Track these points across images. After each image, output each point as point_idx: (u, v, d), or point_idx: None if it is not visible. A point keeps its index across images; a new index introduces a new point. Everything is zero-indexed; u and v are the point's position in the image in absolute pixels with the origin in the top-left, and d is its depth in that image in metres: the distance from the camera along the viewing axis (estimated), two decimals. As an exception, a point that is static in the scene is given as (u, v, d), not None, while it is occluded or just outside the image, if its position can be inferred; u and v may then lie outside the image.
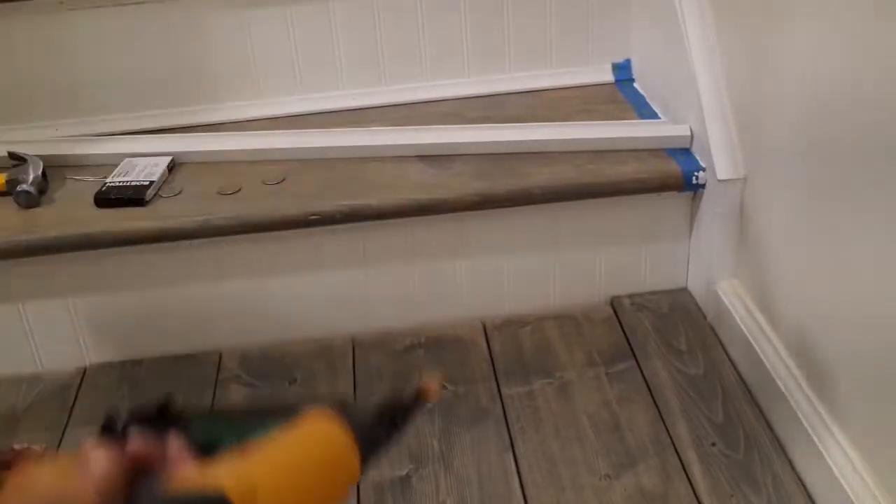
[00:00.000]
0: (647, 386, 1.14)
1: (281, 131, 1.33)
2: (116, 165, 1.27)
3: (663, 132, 1.24)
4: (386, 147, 1.27)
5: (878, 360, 0.87)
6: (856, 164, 0.87)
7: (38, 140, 1.38)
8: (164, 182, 1.23)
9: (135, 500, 0.62)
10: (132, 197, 1.18)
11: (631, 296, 1.30)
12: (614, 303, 1.29)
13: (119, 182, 1.21)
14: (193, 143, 1.32)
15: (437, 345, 1.24)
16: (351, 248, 1.23)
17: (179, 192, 1.22)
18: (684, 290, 1.30)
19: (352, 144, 1.28)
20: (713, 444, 1.04)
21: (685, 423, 1.08)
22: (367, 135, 1.30)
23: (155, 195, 1.20)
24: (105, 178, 1.24)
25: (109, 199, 1.19)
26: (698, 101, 1.17)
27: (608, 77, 1.46)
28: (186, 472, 0.59)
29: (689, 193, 1.23)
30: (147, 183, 1.21)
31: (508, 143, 1.25)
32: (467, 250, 1.25)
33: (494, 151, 1.25)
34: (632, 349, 1.20)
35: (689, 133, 1.22)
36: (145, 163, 1.26)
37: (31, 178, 1.22)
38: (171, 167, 1.27)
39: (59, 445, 1.11)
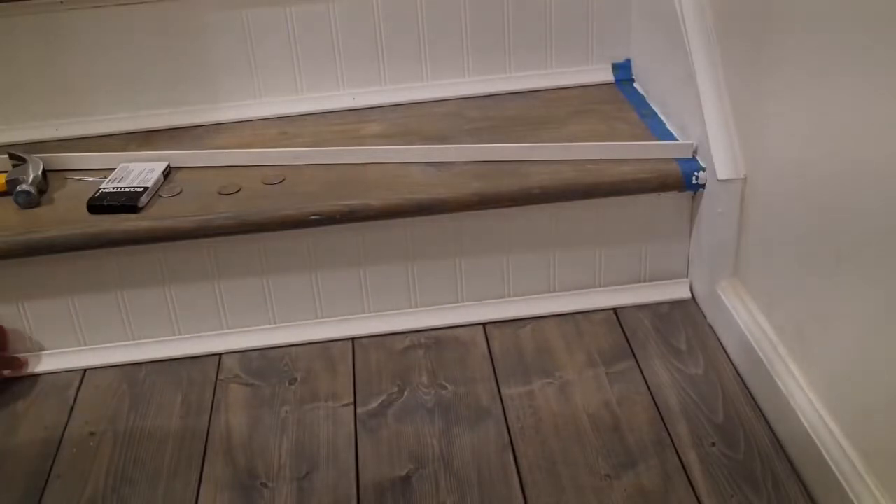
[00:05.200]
0: (647, 386, 1.14)
1: (279, 149, 1.30)
2: (115, 167, 1.27)
3: (670, 154, 1.22)
4: (385, 155, 1.28)
5: (877, 359, 0.87)
6: (858, 162, 0.87)
7: (38, 140, 1.39)
8: (158, 188, 1.23)
9: None
10: (125, 203, 1.18)
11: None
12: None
13: (113, 188, 1.21)
14: (190, 151, 1.32)
15: (437, 345, 1.24)
16: (351, 248, 1.23)
17: (179, 192, 1.22)
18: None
19: (349, 161, 1.28)
20: (713, 444, 1.04)
21: (685, 423, 1.08)
22: (366, 150, 1.30)
23: (149, 201, 1.20)
24: (102, 179, 1.24)
25: (102, 205, 1.19)
26: (698, 102, 1.17)
27: (608, 77, 1.46)
28: None
29: (689, 193, 1.23)
30: (141, 189, 1.20)
31: (509, 153, 1.25)
32: (467, 250, 1.25)
33: (495, 159, 1.25)
34: (632, 349, 1.20)
35: (693, 149, 1.21)
36: (141, 168, 1.26)
37: (31, 178, 1.22)
38: (167, 173, 1.26)
39: (58, 446, 1.11)
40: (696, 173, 1.19)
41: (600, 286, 1.30)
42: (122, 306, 1.24)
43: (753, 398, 1.10)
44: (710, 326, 1.23)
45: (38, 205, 1.22)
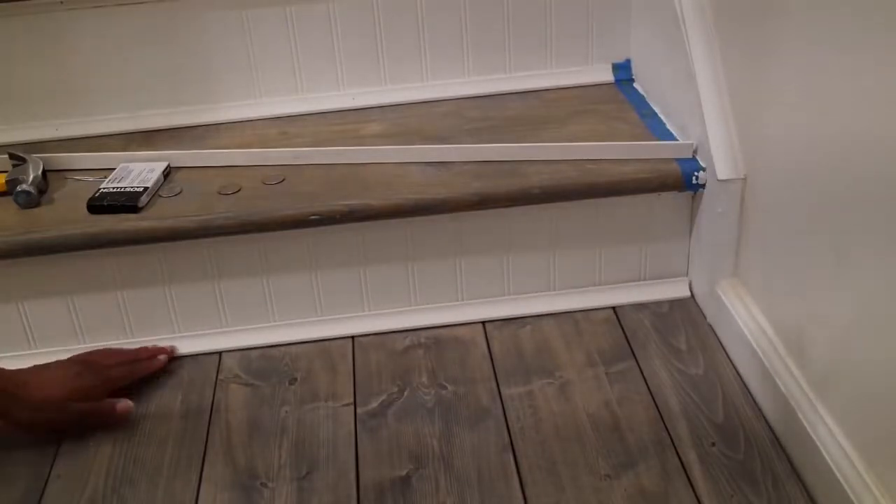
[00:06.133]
0: (647, 386, 1.14)
1: (279, 149, 1.30)
2: (115, 167, 1.27)
3: (670, 154, 1.22)
4: (385, 155, 1.28)
5: (877, 359, 0.87)
6: (857, 163, 0.87)
7: (38, 140, 1.39)
8: (158, 188, 1.23)
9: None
10: (125, 203, 1.18)
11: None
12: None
13: (113, 188, 1.21)
14: (190, 151, 1.32)
15: (436, 345, 1.24)
16: (351, 247, 1.23)
17: (179, 192, 1.22)
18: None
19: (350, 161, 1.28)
20: (713, 444, 1.04)
21: (685, 423, 1.08)
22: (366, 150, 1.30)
23: (149, 201, 1.20)
24: (102, 179, 1.24)
25: (102, 205, 1.19)
26: (698, 101, 1.17)
27: (608, 77, 1.46)
28: None
29: (689, 193, 1.23)
30: (141, 189, 1.20)
31: (509, 153, 1.25)
32: (467, 250, 1.25)
33: (495, 159, 1.25)
34: (632, 349, 1.20)
35: (693, 149, 1.21)
36: (141, 168, 1.26)
37: (31, 178, 1.22)
38: (167, 173, 1.26)
39: (58, 445, 1.11)
40: (696, 173, 1.19)
41: (600, 286, 1.30)
42: (122, 306, 1.24)
43: (753, 398, 1.10)
44: (710, 326, 1.23)
45: (38, 205, 1.22)
